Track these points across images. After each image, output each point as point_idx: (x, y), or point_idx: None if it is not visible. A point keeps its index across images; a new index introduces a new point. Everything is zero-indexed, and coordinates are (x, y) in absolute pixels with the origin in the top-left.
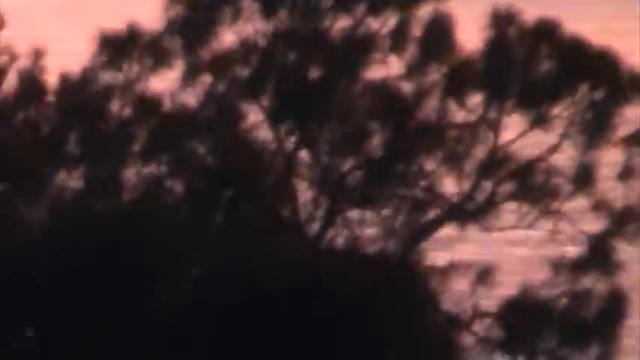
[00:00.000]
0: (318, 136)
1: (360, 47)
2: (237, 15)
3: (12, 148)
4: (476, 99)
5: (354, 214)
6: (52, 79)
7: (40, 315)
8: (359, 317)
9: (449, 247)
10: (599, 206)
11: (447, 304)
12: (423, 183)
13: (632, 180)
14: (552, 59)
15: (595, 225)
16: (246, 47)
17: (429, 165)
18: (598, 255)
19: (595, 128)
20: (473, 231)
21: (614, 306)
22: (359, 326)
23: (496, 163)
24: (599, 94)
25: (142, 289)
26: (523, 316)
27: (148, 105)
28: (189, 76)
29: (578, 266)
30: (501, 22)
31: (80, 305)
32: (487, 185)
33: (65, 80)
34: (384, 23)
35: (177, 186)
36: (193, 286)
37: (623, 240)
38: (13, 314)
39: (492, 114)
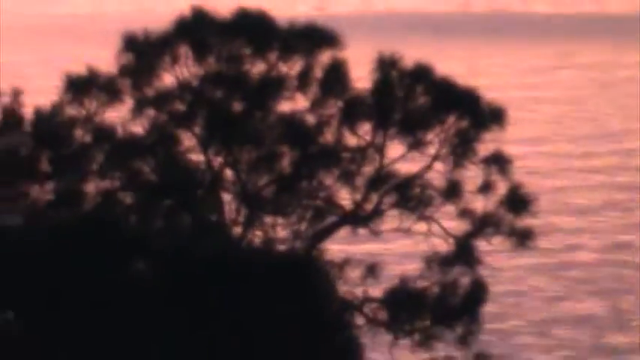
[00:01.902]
0: (239, 157)
1: (272, 86)
2: (174, 61)
3: None
4: (365, 127)
5: (268, 219)
6: (28, 112)
7: (21, 299)
8: (271, 302)
9: (345, 246)
10: (464, 213)
11: (342, 291)
12: (322, 195)
13: (490, 192)
14: (426, 95)
15: (460, 228)
16: (182, 87)
17: (328, 180)
18: (463, 252)
19: (460, 151)
20: (363, 233)
21: (475, 291)
22: (271, 309)
23: (381, 179)
24: (463, 124)
25: (97, 278)
26: (403, 301)
27: (103, 133)
28: (137, 110)
29: (446, 261)
30: (385, 65)
31: (52, 289)
32: (374, 197)
33: (38, 113)
34: (291, 67)
35: (127, 198)
36: (136, 276)
37: (482, 240)
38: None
39: (378, 140)
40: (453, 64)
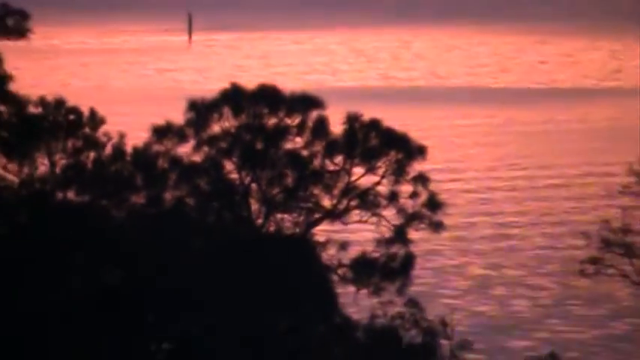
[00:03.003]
0: (261, 176)
1: (281, 133)
2: (220, 117)
3: (109, 183)
4: (339, 158)
5: (278, 215)
6: (129, 148)
7: (126, 264)
8: (280, 266)
9: (326, 232)
10: (400, 211)
11: (325, 259)
12: (312, 200)
13: (416, 198)
14: (377, 138)
15: (398, 221)
16: (225, 133)
17: (316, 191)
18: (399, 236)
19: (398, 172)
20: (337, 224)
21: (407, 260)
22: (280, 271)
23: (349, 190)
24: (400, 155)
25: (174, 251)
26: (362, 266)
27: (176, 161)
28: (197, 147)
29: (389, 241)
30: (351, 120)
31: (145, 258)
32: (344, 201)
33: (135, 149)
34: (293, 121)
35: (191, 201)
36: (197, 249)
37: (412, 229)
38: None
39: (347, 166)
40: (408, 120)
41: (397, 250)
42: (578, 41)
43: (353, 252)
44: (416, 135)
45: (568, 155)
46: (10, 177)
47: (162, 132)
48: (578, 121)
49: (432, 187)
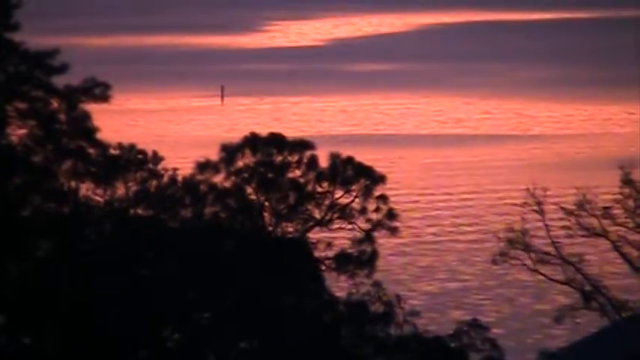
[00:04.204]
0: (272, 197)
1: (285, 166)
2: (242, 155)
3: (166, 202)
4: (325, 184)
5: (284, 224)
6: (179, 178)
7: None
8: (286, 258)
9: (317, 235)
10: (368, 220)
11: (316, 254)
12: (307, 212)
13: (379, 211)
14: (352, 170)
15: (366, 227)
16: (247, 167)
17: (309, 206)
18: (367, 238)
19: (366, 193)
20: (324, 230)
21: (373, 254)
22: (285, 262)
23: (332, 206)
24: (367, 182)
25: (217, 247)
26: (342, 258)
27: (212, 187)
28: (227, 177)
29: (360, 241)
30: (334, 157)
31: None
32: (329, 214)
33: (184, 179)
34: (293, 158)
35: (223, 215)
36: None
37: (376, 231)
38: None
39: (331, 189)
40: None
41: (366, 247)
42: (504, 102)
43: (335, 249)
44: (380, 168)
45: (494, 183)
46: (97, 198)
47: (203, 166)
48: (503, 160)
49: (391, 203)
